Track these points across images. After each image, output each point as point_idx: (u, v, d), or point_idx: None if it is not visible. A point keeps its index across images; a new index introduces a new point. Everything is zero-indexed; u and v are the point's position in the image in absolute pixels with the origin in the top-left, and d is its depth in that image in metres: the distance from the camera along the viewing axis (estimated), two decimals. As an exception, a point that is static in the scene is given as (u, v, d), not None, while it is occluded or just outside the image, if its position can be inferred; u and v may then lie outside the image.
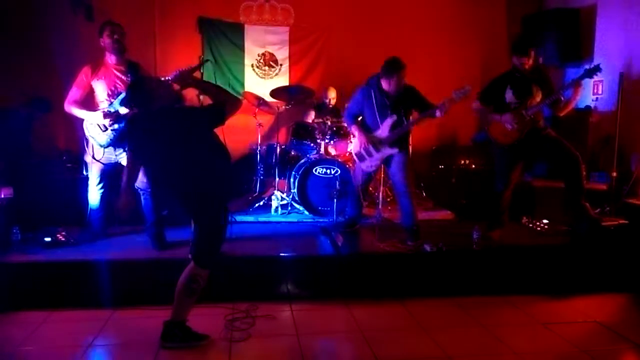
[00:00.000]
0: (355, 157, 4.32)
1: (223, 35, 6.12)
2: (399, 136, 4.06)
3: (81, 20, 5.63)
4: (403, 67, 3.92)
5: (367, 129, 4.17)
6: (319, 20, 6.28)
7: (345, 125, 5.29)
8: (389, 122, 4.04)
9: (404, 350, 2.94)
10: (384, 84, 3.99)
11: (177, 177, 2.88)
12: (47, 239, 3.84)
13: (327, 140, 5.29)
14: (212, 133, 2.91)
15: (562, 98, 4.02)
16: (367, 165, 4.21)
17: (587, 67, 3.91)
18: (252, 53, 6.22)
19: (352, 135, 4.70)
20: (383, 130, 4.07)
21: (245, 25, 6.17)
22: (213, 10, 6.09)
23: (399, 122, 4.05)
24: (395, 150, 4.08)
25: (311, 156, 5.29)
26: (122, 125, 3.74)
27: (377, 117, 4.08)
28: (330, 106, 5.81)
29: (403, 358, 2.86)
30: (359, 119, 4.29)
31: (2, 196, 4.09)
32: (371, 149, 4.13)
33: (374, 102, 4.07)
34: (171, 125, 2.82)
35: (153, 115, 2.84)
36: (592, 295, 3.79)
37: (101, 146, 3.79)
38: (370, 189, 5.52)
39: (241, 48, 6.16)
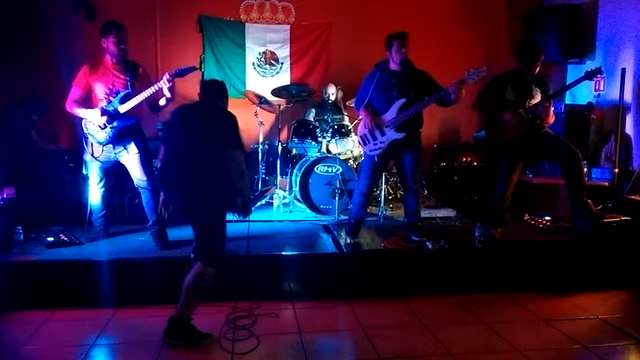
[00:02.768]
0: (359, 140, 4.16)
1: (224, 34, 6.12)
2: (406, 119, 3.88)
3: (83, 19, 5.65)
4: (402, 35, 3.87)
5: (376, 112, 4.02)
6: (320, 19, 6.27)
7: (347, 122, 5.33)
8: (397, 104, 3.88)
9: (407, 348, 2.93)
10: (390, 60, 3.92)
11: (188, 171, 2.96)
12: (50, 239, 3.84)
13: (328, 139, 5.29)
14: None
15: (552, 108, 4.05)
16: (370, 148, 4.01)
17: (587, 69, 3.90)
18: (253, 51, 6.21)
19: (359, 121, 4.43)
20: (391, 113, 3.91)
21: (246, 24, 6.17)
22: (214, 9, 6.10)
23: (408, 105, 3.87)
24: (402, 135, 3.90)
25: (313, 154, 5.29)
26: (120, 123, 3.76)
27: (385, 99, 3.94)
28: (330, 102, 5.81)
29: (405, 356, 2.86)
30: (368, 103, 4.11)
31: (5, 196, 4.10)
32: (376, 131, 3.96)
33: (380, 83, 3.95)
34: (210, 119, 3.04)
35: (202, 104, 3.17)
36: (594, 292, 3.79)
37: (100, 144, 3.80)
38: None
39: (242, 46, 6.16)
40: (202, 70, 6.11)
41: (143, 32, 5.79)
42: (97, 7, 5.68)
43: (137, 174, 3.88)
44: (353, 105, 4.39)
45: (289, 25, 6.25)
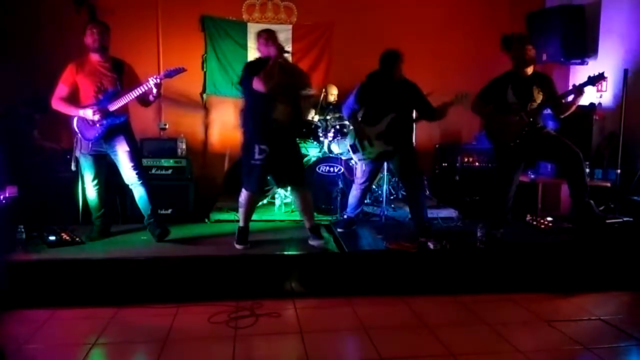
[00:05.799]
0: (349, 148, 4.38)
1: (226, 34, 6.12)
2: (395, 134, 4.07)
3: (84, 19, 5.65)
4: (400, 56, 4.06)
5: (366, 123, 4.20)
6: (322, 18, 6.27)
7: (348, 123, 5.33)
8: (387, 118, 4.06)
9: (408, 348, 2.93)
10: (385, 74, 4.07)
11: None
12: (52, 238, 3.85)
13: (330, 139, 5.28)
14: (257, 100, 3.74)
15: (563, 101, 4.02)
16: (360, 157, 4.26)
17: (590, 74, 3.89)
18: (255, 51, 6.18)
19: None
20: (380, 126, 4.10)
21: (248, 24, 6.16)
22: (216, 9, 6.10)
23: (398, 119, 4.05)
24: (390, 148, 4.09)
25: (314, 154, 5.29)
26: (108, 121, 3.80)
27: (377, 112, 4.12)
28: (332, 103, 5.81)
29: (406, 356, 2.86)
30: (359, 113, 4.32)
31: (7, 195, 4.10)
32: (365, 142, 4.17)
33: (374, 98, 4.11)
34: None
35: None
36: (596, 293, 3.78)
37: (88, 140, 3.86)
38: (374, 186, 5.53)
39: (244, 46, 6.16)
40: (204, 70, 6.11)
41: (145, 32, 5.80)
42: (99, 6, 5.68)
43: (127, 170, 3.92)
44: (342, 112, 4.55)
45: (290, 25, 6.25)
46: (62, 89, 3.85)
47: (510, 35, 4.15)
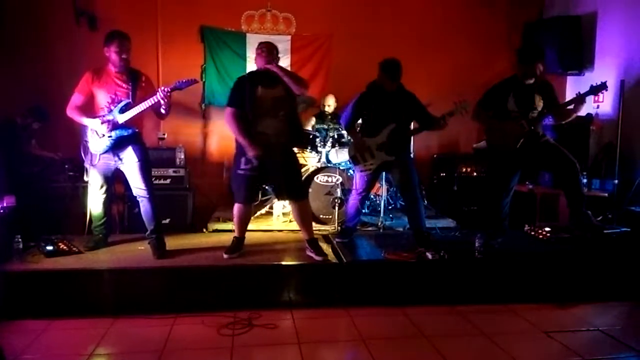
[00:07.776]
0: (350, 159, 4.34)
1: (225, 44, 6.15)
2: (396, 144, 4.07)
3: (84, 29, 5.69)
4: (397, 66, 4.07)
5: (366, 134, 4.19)
6: (320, 29, 6.31)
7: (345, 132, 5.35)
8: (388, 129, 4.06)
9: (406, 359, 2.92)
10: (383, 83, 4.06)
11: None
12: (49, 248, 3.83)
13: (328, 148, 5.30)
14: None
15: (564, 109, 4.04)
16: (361, 169, 4.20)
17: (593, 84, 3.89)
18: (254, 62, 6.23)
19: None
20: (381, 136, 4.09)
21: (247, 34, 6.20)
22: (215, 20, 6.14)
23: (399, 129, 4.06)
24: (392, 158, 4.09)
25: (312, 164, 5.29)
26: (119, 132, 3.78)
27: (376, 121, 4.12)
28: (330, 113, 5.83)
29: (405, 367, 2.85)
30: (357, 122, 4.33)
31: (5, 204, 4.10)
32: (366, 154, 4.15)
33: (374, 107, 4.11)
34: None
35: None
36: (595, 303, 3.77)
37: (97, 152, 3.82)
38: (372, 196, 5.54)
39: (243, 57, 6.19)
40: (203, 80, 6.14)
41: (145, 42, 5.83)
42: (99, 17, 5.72)
43: (136, 182, 3.89)
44: (340, 123, 4.51)
45: (289, 36, 6.29)
46: (77, 98, 3.81)
47: (525, 45, 4.16)
